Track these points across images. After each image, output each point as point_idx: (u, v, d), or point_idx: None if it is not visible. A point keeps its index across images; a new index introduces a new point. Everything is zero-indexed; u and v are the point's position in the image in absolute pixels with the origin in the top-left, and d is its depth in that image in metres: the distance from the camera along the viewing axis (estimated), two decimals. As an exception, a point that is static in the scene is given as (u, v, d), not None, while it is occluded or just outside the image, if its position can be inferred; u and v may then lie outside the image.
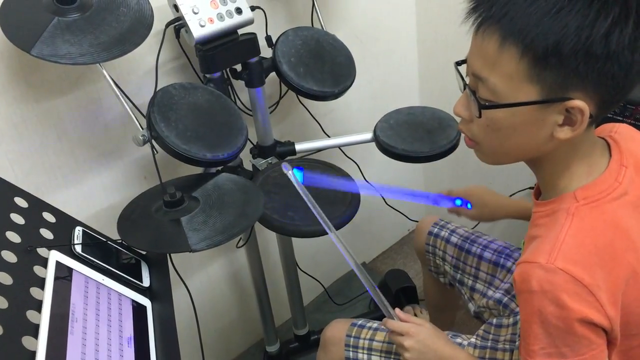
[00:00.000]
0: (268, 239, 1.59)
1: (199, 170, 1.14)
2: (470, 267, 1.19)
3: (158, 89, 1.03)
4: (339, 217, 1.05)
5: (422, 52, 1.74)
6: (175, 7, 1.04)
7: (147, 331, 0.80)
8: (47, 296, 0.70)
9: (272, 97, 1.35)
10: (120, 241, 0.91)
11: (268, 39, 1.23)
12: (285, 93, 1.34)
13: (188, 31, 1.04)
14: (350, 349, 1.05)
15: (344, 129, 1.61)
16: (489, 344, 1.02)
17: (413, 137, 1.25)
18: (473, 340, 1.04)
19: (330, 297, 1.79)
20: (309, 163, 1.23)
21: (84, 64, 0.90)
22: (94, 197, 1.18)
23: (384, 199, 1.68)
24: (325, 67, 1.23)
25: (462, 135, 0.79)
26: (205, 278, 1.51)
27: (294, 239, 1.43)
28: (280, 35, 1.21)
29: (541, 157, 0.73)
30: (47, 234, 0.81)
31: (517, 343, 0.98)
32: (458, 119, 0.77)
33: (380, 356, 1.03)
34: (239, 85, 1.23)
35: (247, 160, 1.30)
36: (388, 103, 1.45)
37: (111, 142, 1.17)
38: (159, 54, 1.03)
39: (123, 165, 1.21)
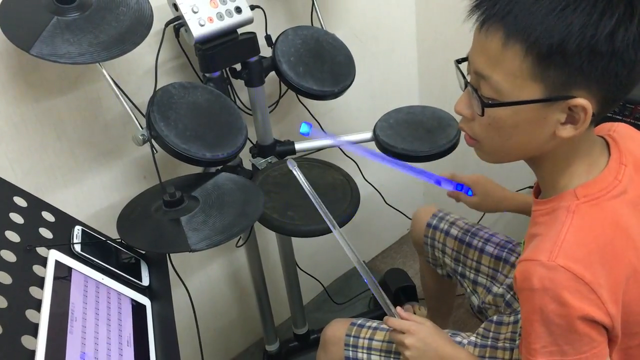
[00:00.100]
0: (268, 238, 1.59)
1: (198, 169, 1.14)
2: (471, 261, 1.18)
3: (158, 88, 1.03)
4: (340, 216, 1.05)
5: (421, 51, 1.74)
6: (175, 7, 1.04)
7: (146, 330, 0.80)
8: (46, 295, 0.70)
9: (272, 97, 1.35)
10: (119, 240, 0.91)
11: (268, 38, 1.23)
12: (285, 92, 1.34)
13: (188, 30, 1.04)
14: (350, 349, 1.05)
15: (343, 128, 1.61)
16: (489, 343, 1.02)
17: (413, 136, 1.25)
18: (473, 338, 1.04)
19: (330, 296, 1.79)
20: (309, 162, 1.23)
21: (83, 63, 0.90)
22: (93, 196, 1.18)
23: (383, 199, 1.68)
24: (325, 67, 1.23)
25: (462, 134, 0.79)
26: (204, 277, 1.51)
27: (293, 239, 1.43)
28: (280, 34, 1.21)
29: (542, 155, 0.74)
30: (46, 233, 0.81)
31: (517, 342, 0.98)
32: (458, 118, 0.77)
33: (380, 355, 1.03)
34: (238, 84, 1.23)
35: (246, 159, 1.30)
36: (388, 102, 1.45)
37: (111, 142, 1.17)
38: (159, 53, 1.03)
39: (122, 165, 1.21)
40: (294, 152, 1.31)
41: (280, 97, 1.36)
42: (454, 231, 1.21)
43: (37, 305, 0.68)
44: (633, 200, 0.71)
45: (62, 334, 0.67)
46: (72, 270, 0.77)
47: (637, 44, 0.62)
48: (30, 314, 0.67)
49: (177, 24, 1.06)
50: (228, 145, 1.05)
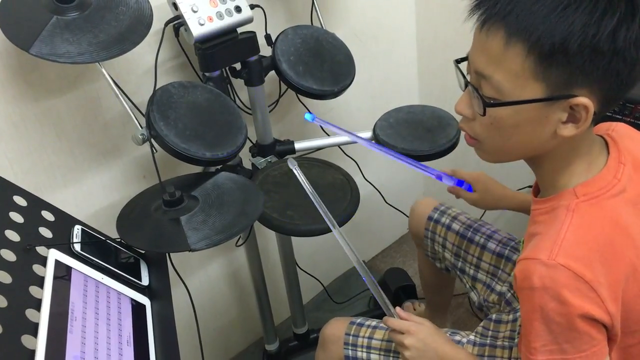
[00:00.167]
0: (267, 237, 1.59)
1: (198, 169, 1.14)
2: (472, 257, 1.18)
3: (157, 87, 1.03)
4: (340, 215, 1.05)
5: (421, 50, 1.74)
6: (175, 6, 1.04)
7: (146, 330, 0.80)
8: (46, 295, 0.70)
9: (272, 96, 1.35)
10: (119, 240, 0.91)
11: (267, 37, 1.23)
12: (285, 92, 1.34)
13: (187, 30, 1.04)
14: (350, 347, 1.05)
15: (343, 127, 1.61)
16: (488, 341, 1.02)
17: (413, 135, 1.25)
18: (472, 337, 1.04)
19: (330, 295, 1.79)
20: (309, 162, 1.23)
21: (83, 63, 0.90)
22: (93, 196, 1.18)
23: (383, 198, 1.68)
24: (325, 66, 1.23)
25: (462, 133, 0.79)
26: (204, 277, 1.51)
27: (293, 238, 1.43)
28: (280, 33, 1.21)
29: (543, 154, 0.74)
30: (46, 232, 0.81)
31: (516, 340, 0.98)
32: (458, 117, 0.77)
33: (380, 354, 1.03)
34: (238, 83, 1.23)
35: (246, 159, 1.30)
36: (387, 102, 1.45)
37: (110, 141, 1.17)
38: (158, 52, 1.03)
39: (122, 164, 1.21)
40: (293, 151, 1.31)
41: (280, 96, 1.36)
42: (455, 226, 1.21)
43: (37, 304, 0.68)
44: (632, 199, 0.71)
45: (62, 333, 0.67)
46: (72, 269, 0.77)
47: (639, 43, 0.62)
48: (30, 313, 0.67)
49: (177, 23, 1.06)
50: (228, 144, 1.05)
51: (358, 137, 1.16)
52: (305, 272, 1.64)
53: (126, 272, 0.86)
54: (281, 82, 1.23)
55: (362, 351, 1.04)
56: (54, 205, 0.87)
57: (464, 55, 0.73)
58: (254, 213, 0.95)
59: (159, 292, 0.88)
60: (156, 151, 0.99)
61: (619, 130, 0.79)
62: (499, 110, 0.69)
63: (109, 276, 0.82)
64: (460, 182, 1.12)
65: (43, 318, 0.67)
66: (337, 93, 1.23)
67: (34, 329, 0.65)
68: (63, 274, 0.75)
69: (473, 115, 0.73)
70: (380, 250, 2.04)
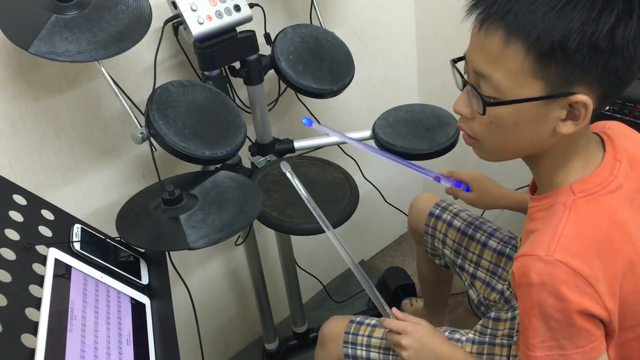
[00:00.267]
0: (267, 236, 1.59)
1: (197, 168, 1.14)
2: (472, 254, 1.18)
3: (156, 86, 1.03)
4: (339, 214, 1.05)
5: (421, 49, 1.74)
6: (174, 5, 1.04)
7: (146, 329, 0.80)
8: (46, 294, 0.70)
9: (271, 95, 1.35)
10: (119, 239, 0.91)
11: (267, 36, 1.23)
12: (284, 90, 1.34)
13: (186, 29, 1.04)
14: (349, 346, 1.05)
15: (342, 126, 1.61)
16: (487, 339, 1.02)
17: (412, 134, 1.25)
18: (471, 335, 1.04)
19: (329, 294, 1.79)
20: (308, 161, 1.23)
21: (82, 61, 0.90)
22: (92, 194, 1.18)
23: (383, 197, 1.69)
24: (324, 65, 1.23)
25: (461, 133, 0.79)
26: (204, 276, 1.51)
27: (292, 237, 1.43)
28: (279, 32, 1.21)
29: (541, 152, 0.74)
30: (45, 231, 0.81)
31: (514, 338, 0.98)
32: (457, 117, 0.77)
33: (379, 352, 1.03)
34: (237, 82, 1.23)
35: (245, 157, 1.30)
36: (387, 101, 1.45)
37: (110, 140, 1.17)
38: (158, 51, 1.03)
39: (121, 163, 1.21)
40: (293, 150, 1.31)
41: (280, 95, 1.36)
42: (456, 223, 1.21)
43: (36, 303, 0.69)
44: (629, 195, 0.72)
45: (62, 332, 0.67)
46: (72, 268, 0.77)
47: (637, 40, 0.63)
48: (30, 312, 0.67)
49: (176, 22, 1.06)
50: (227, 143, 1.05)
51: (356, 140, 1.16)
52: (305, 271, 1.64)
53: (126, 271, 0.86)
54: (280, 81, 1.23)
55: (361, 349, 1.04)
56: (53, 204, 0.87)
57: (463, 55, 0.73)
58: (253, 212, 0.95)
59: (159, 291, 0.88)
60: (155, 150, 0.99)
61: (615, 128, 0.80)
62: (499, 109, 0.69)
63: (108, 275, 0.82)
64: (458, 183, 1.13)
65: (43, 317, 0.67)
66: (336, 92, 1.23)
67: (33, 328, 0.65)
68: (63, 272, 0.75)
69: (472, 114, 0.73)
70: (380, 249, 2.04)
